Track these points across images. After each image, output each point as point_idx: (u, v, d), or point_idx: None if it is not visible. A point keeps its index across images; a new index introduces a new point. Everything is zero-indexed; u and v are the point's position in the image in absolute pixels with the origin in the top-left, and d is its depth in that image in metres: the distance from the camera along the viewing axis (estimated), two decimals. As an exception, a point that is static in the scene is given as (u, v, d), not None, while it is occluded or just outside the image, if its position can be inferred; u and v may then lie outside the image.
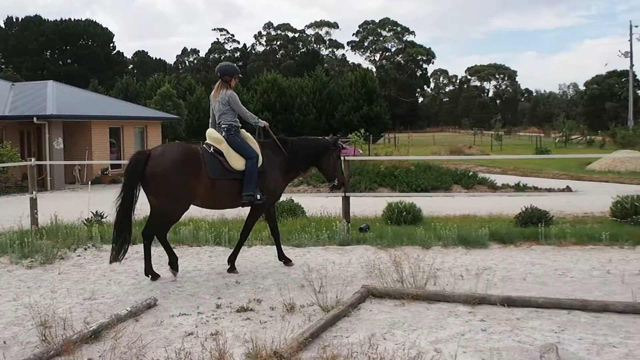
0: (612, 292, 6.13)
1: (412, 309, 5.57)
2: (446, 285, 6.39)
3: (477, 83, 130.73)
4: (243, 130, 7.35)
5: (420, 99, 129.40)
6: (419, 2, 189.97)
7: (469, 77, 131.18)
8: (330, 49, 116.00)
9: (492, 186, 18.81)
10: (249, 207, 7.40)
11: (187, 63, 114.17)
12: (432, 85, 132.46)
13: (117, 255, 6.85)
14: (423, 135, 74.16)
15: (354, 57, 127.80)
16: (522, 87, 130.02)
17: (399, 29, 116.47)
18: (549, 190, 17.48)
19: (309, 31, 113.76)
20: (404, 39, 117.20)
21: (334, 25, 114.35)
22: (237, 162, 6.96)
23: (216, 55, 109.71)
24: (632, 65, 58.29)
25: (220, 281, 6.97)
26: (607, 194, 12.67)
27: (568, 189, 17.62)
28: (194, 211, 8.23)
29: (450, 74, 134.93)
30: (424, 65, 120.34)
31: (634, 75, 65.79)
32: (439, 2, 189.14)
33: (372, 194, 17.15)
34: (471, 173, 20.15)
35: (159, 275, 7.06)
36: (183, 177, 6.59)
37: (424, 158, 21.88)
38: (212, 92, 7.39)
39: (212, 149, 7.01)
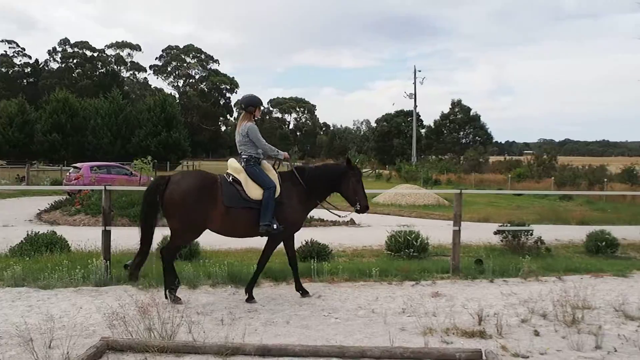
0: (373, 334, 5.93)
1: (155, 366, 4.84)
2: (202, 333, 5.73)
3: (279, 115, 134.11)
4: (264, 162, 7.48)
5: (223, 128, 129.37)
6: (227, 32, 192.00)
7: (271, 108, 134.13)
8: (131, 72, 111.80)
9: (281, 218, 18.64)
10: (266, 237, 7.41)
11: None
12: (235, 114, 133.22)
13: (134, 275, 7.21)
14: (224, 164, 73.65)
15: (156, 82, 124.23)
16: (321, 120, 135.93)
17: (203, 56, 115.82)
18: (334, 222, 17.74)
19: (110, 51, 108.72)
20: (209, 67, 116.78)
21: (137, 47, 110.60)
22: (254, 191, 7.10)
23: (3, 70, 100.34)
24: (415, 106, 63.45)
25: None
26: (387, 227, 12.97)
27: (352, 222, 18.04)
28: None
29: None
30: (227, 94, 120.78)
31: (418, 115, 71.64)
32: (247, 34, 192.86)
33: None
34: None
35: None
36: (198, 204, 6.84)
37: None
38: (237, 124, 7.54)
39: (231, 178, 7.20)
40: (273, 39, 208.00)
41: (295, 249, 11.04)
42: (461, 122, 75.73)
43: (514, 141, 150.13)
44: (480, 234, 13.91)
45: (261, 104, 7.64)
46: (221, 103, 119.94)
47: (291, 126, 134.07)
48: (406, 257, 11.52)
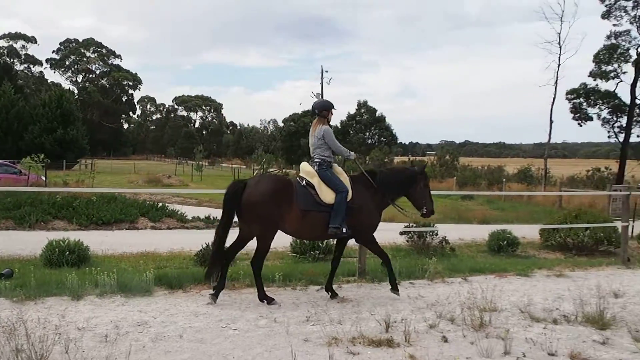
0: (275, 347, 5.46)
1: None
2: (80, 353, 5.06)
3: (184, 113, 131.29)
4: (335, 165, 7.56)
5: (126, 125, 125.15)
6: (131, 27, 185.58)
7: (176, 106, 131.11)
8: (26, 65, 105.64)
9: (182, 219, 17.84)
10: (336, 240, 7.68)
11: None
12: (138, 112, 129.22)
13: (210, 274, 7.33)
14: (125, 163, 71.20)
15: (54, 77, 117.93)
16: (228, 119, 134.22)
17: (104, 51, 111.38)
18: (237, 223, 17.16)
19: (1, 42, 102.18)
20: (110, 62, 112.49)
21: (32, 40, 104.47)
22: (327, 195, 7.17)
23: None
24: (322, 106, 63.46)
25: None
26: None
27: (257, 223, 17.54)
28: None
29: (158, 102, 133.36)
30: (130, 91, 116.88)
31: (325, 116, 71.57)
32: (152, 29, 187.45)
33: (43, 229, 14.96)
34: (160, 205, 18.90)
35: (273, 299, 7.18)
36: (275, 207, 6.95)
37: (106, 190, 19.98)
38: (311, 128, 7.65)
39: (304, 181, 7.27)
40: (180, 36, 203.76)
41: (194, 253, 10.55)
42: (367, 122, 76.62)
43: (417, 142, 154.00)
44: (386, 234, 13.73)
45: (333, 107, 7.74)
46: (123, 100, 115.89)
47: (197, 125, 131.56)
48: (312, 259, 11.17)
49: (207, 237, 11.37)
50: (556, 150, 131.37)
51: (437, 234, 12.56)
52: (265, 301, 7.11)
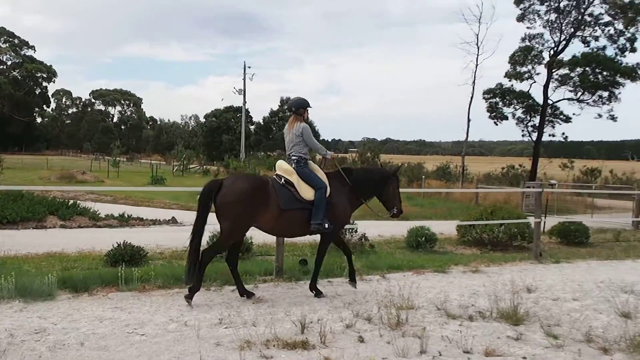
0: (184, 352, 5.17)
1: None
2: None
3: (102, 107, 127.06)
4: (311, 162, 7.67)
5: (40, 119, 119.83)
6: (46, 16, 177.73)
7: (93, 100, 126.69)
8: None
9: (94, 217, 17.06)
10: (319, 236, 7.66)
11: None
12: (53, 105, 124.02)
13: (189, 275, 7.03)
14: (38, 158, 68.04)
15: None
16: (148, 115, 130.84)
17: (16, 41, 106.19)
18: (155, 221, 16.62)
19: None
20: (23, 53, 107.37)
21: None
22: (307, 192, 7.26)
23: None
24: (245, 102, 62.93)
25: None
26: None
27: (174, 220, 17.03)
28: None
29: (74, 95, 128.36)
30: (44, 84, 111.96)
31: (247, 112, 71.25)
32: (68, 19, 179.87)
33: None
34: (71, 202, 18.01)
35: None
36: (249, 207, 6.96)
37: (12, 188, 18.91)
38: (287, 125, 7.74)
39: (282, 180, 7.30)
40: (99, 27, 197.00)
41: (105, 253, 10.06)
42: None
43: (340, 139, 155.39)
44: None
45: (309, 105, 7.79)
46: (37, 92, 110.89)
47: (115, 119, 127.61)
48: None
49: (121, 235, 10.95)
50: (474, 148, 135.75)
51: (356, 231, 12.51)
52: (189, 301, 6.91)
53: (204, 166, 55.85)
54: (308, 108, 7.78)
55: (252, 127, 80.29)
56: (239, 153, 62.88)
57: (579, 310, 7.13)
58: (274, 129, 76.07)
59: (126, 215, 17.39)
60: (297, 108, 7.69)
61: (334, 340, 5.60)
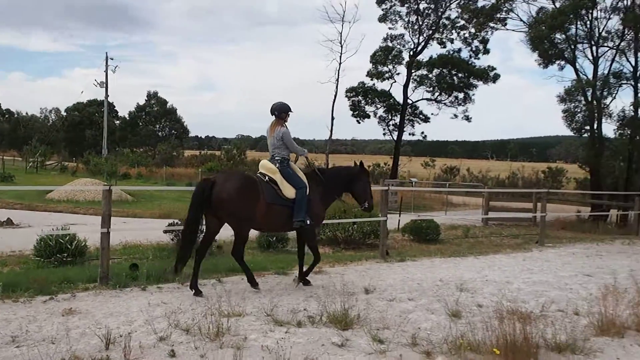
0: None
1: None
2: None
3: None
4: (291, 163, 8.24)
5: None
6: None
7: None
8: None
9: None
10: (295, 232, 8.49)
11: None
12: None
13: (178, 266, 7.60)
14: None
15: None
16: (4, 107, 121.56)
17: None
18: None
19: None
20: None
21: None
22: (289, 191, 7.87)
23: None
24: (107, 96, 59.87)
25: None
26: (52, 226, 11.17)
27: (9, 222, 15.58)
28: None
29: None
30: None
31: (112, 106, 68.09)
32: None
33: None
34: None
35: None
36: (246, 201, 7.50)
37: None
38: (268, 128, 8.27)
39: (266, 178, 7.95)
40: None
41: None
42: (157, 114, 74.17)
43: (213, 136, 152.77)
44: (156, 232, 12.86)
45: (290, 110, 8.36)
46: None
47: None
48: (58, 263, 9.98)
49: None
50: (346, 146, 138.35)
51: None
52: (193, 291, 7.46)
53: (62, 163, 52.54)
54: (290, 112, 8.35)
55: (117, 122, 76.87)
56: (102, 149, 59.84)
57: (411, 311, 7.10)
58: (140, 124, 73.33)
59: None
60: (280, 112, 8.24)
61: (140, 355, 5.08)
